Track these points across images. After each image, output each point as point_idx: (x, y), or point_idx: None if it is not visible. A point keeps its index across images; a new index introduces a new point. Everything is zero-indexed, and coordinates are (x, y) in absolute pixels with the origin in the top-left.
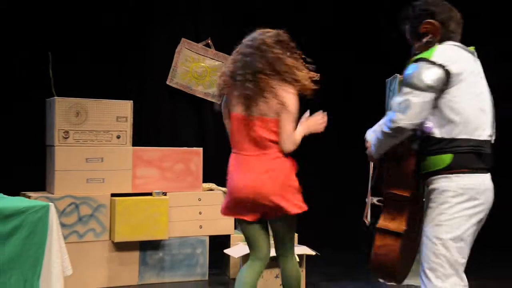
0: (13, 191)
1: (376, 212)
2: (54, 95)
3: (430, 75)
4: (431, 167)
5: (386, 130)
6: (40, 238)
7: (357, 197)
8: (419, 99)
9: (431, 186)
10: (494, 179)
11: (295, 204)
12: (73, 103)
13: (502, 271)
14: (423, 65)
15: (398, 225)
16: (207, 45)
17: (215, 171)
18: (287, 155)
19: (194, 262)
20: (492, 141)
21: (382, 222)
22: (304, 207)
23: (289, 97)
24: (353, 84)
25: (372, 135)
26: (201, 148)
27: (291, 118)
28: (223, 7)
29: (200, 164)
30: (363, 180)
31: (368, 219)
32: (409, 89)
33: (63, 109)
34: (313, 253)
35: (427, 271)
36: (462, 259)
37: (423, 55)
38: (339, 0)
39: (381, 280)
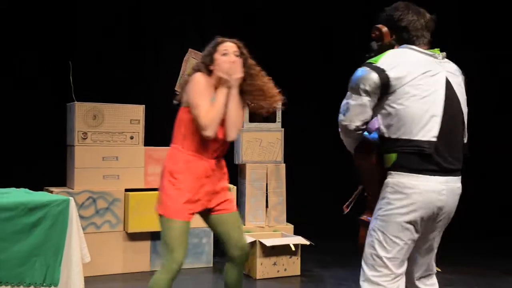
0: (37, 187)
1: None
2: (74, 100)
3: (366, 80)
4: (385, 164)
5: (339, 129)
6: (61, 228)
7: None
8: (355, 102)
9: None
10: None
11: (158, 203)
12: (91, 107)
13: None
14: (364, 70)
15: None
16: None
17: None
18: (188, 151)
19: (200, 251)
20: (465, 141)
21: (365, 215)
22: (160, 210)
23: (191, 81)
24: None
25: None
26: None
27: (191, 103)
28: (228, 21)
29: None
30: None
31: (347, 208)
32: (349, 92)
33: (82, 112)
34: (308, 243)
35: (362, 260)
36: (387, 254)
37: (371, 59)
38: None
39: None
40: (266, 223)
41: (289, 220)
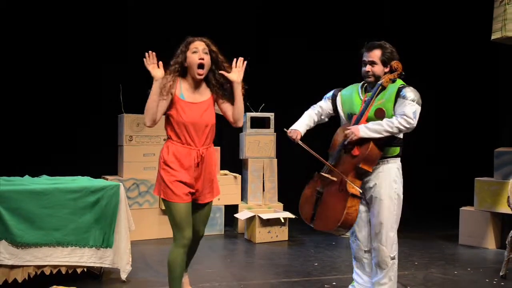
0: (96, 175)
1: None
2: (123, 112)
3: (419, 96)
4: (391, 153)
5: (402, 127)
6: (114, 206)
7: None
8: (419, 111)
9: (387, 165)
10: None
11: (156, 187)
12: (135, 117)
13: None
14: (414, 90)
15: (356, 190)
16: None
17: (228, 162)
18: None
19: (215, 223)
20: None
21: (351, 190)
22: (163, 195)
23: None
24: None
25: (373, 127)
26: (219, 147)
27: None
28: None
29: (218, 158)
30: None
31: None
32: (413, 103)
33: (129, 121)
34: (293, 216)
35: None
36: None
37: (402, 82)
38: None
39: (344, 234)
40: (263, 202)
41: (279, 200)
